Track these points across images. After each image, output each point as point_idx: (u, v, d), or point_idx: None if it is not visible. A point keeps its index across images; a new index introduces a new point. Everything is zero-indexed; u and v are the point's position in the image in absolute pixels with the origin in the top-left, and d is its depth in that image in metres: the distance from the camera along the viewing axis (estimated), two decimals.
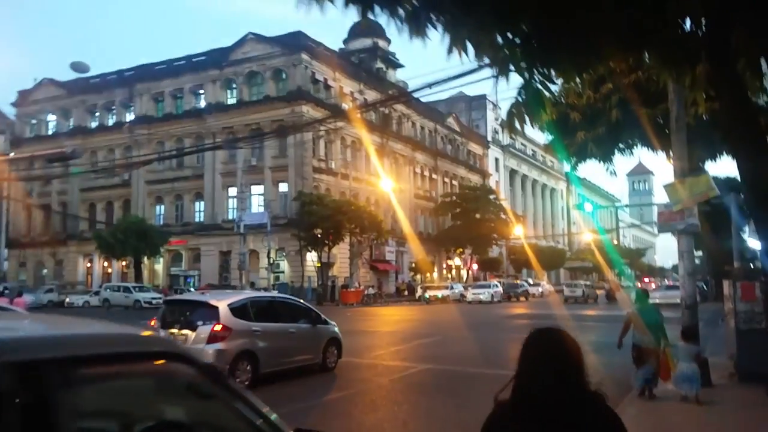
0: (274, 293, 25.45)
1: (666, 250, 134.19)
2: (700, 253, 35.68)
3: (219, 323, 9.63)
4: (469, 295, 44.58)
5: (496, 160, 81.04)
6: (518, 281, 57.55)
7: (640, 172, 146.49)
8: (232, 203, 48.85)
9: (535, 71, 3.56)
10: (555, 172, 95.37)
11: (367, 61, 62.90)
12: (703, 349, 9.35)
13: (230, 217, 48.22)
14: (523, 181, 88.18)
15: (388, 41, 66.76)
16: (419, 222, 61.71)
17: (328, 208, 41.46)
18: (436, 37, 3.40)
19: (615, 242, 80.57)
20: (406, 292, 51.99)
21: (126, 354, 1.85)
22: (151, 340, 2.00)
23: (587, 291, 46.24)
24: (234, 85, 51.38)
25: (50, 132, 59.92)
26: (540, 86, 3.63)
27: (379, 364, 13.03)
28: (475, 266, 63.80)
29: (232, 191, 48.58)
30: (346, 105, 50.15)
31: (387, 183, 49.40)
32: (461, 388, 10.03)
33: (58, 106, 59.20)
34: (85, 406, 1.87)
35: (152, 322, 10.65)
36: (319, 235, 42.00)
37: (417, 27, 3.34)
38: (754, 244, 21.38)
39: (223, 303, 9.99)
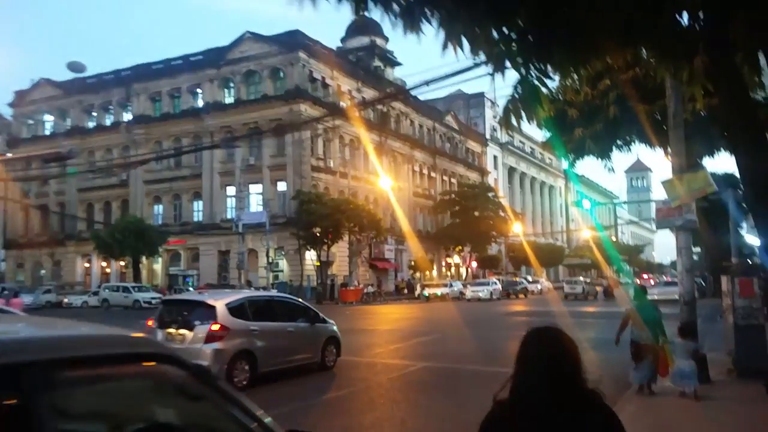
0: (273, 292, 25.44)
1: (664, 247, 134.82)
2: (698, 249, 35.69)
3: (216, 323, 9.60)
4: (469, 292, 44.65)
5: (495, 157, 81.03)
6: (517, 278, 57.62)
7: (638, 169, 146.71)
8: (231, 202, 48.79)
9: (531, 66, 3.52)
10: (553, 169, 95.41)
11: (364, 60, 62.76)
12: (701, 345, 9.35)
13: (229, 216, 48.12)
14: (522, 179, 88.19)
15: (386, 39, 66.62)
16: (418, 220, 61.70)
17: (327, 207, 41.39)
18: (431, 33, 3.36)
19: (613, 239, 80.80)
20: (405, 291, 52.03)
21: (115, 355, 1.82)
22: (140, 342, 1.97)
23: (587, 288, 46.34)
24: (231, 84, 51.24)
25: (47, 132, 59.71)
26: (536, 82, 3.59)
27: (378, 362, 13.02)
28: (474, 264, 63.80)
29: (231, 190, 48.52)
30: (344, 103, 50.06)
31: (386, 181, 49.31)
32: (460, 386, 10.02)
33: (55, 107, 58.99)
34: (75, 408, 1.85)
35: (149, 322, 10.62)
36: (318, 234, 41.93)
37: (411, 22, 3.30)
38: (752, 240, 21.37)
39: (220, 302, 9.96)
